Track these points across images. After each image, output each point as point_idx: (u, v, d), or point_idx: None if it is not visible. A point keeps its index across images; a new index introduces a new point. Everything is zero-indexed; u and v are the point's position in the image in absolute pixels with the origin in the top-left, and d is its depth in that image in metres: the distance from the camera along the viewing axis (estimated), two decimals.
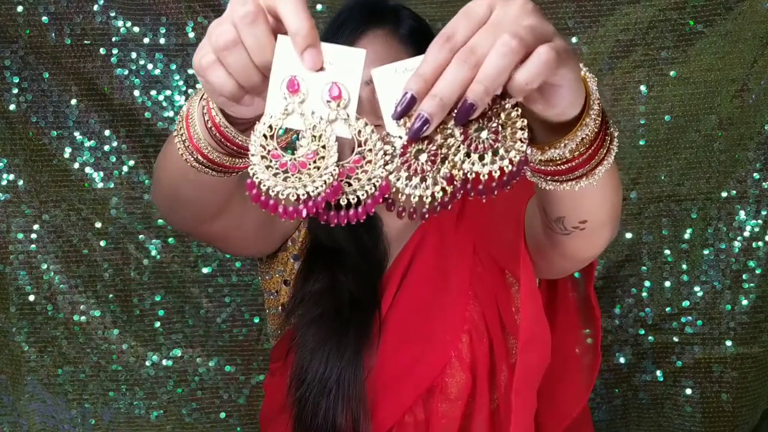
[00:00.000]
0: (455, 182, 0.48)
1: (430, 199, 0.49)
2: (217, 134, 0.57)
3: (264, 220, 0.91)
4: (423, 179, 0.49)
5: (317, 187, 0.49)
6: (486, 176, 0.48)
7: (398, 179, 0.49)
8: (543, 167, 0.56)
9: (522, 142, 0.47)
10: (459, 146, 0.48)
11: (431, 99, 0.46)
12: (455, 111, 0.47)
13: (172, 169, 0.68)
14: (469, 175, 0.48)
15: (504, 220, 0.83)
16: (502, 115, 0.47)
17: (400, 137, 0.49)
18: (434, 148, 0.48)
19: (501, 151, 0.48)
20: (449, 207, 0.50)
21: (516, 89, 0.45)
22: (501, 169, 0.48)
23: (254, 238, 0.93)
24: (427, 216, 0.51)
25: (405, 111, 0.47)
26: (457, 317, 0.90)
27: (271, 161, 0.49)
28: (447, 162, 0.48)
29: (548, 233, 0.70)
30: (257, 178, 0.49)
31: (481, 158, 0.48)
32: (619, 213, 0.68)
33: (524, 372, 0.80)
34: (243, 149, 0.58)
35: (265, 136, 0.49)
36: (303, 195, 0.49)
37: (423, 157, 0.49)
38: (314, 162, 0.49)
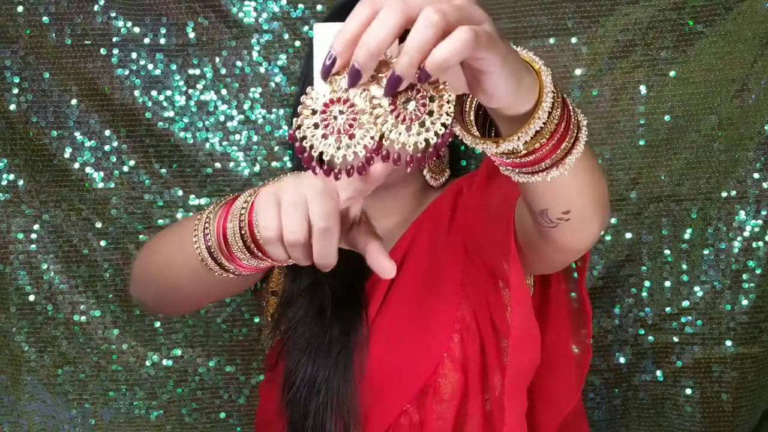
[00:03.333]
0: (382, 151, 0.50)
1: (340, 160, 0.51)
2: (251, 243, 0.62)
3: None
4: (338, 140, 0.50)
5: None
6: (411, 147, 0.49)
7: (314, 135, 0.51)
8: (507, 159, 0.57)
9: (448, 115, 0.49)
10: (387, 116, 0.49)
11: (360, 49, 0.47)
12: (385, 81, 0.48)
13: (178, 271, 0.72)
14: (395, 145, 0.49)
15: (495, 219, 0.83)
16: (430, 89, 0.49)
17: (324, 95, 0.50)
18: (354, 112, 0.50)
19: (427, 123, 0.49)
20: (363, 173, 0.52)
21: (431, 65, 0.46)
22: (426, 140, 0.49)
23: (244, 285, 0.96)
24: (339, 176, 0.53)
25: (327, 69, 0.48)
26: (448, 317, 0.90)
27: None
28: (368, 130, 0.50)
29: (537, 228, 0.70)
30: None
31: (408, 129, 0.49)
32: (606, 201, 0.68)
33: (515, 372, 0.80)
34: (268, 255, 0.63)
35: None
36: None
37: (341, 119, 0.50)
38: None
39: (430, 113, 0.49)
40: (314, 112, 0.51)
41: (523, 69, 0.52)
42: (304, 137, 0.51)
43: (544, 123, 0.53)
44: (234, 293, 0.84)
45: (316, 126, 0.51)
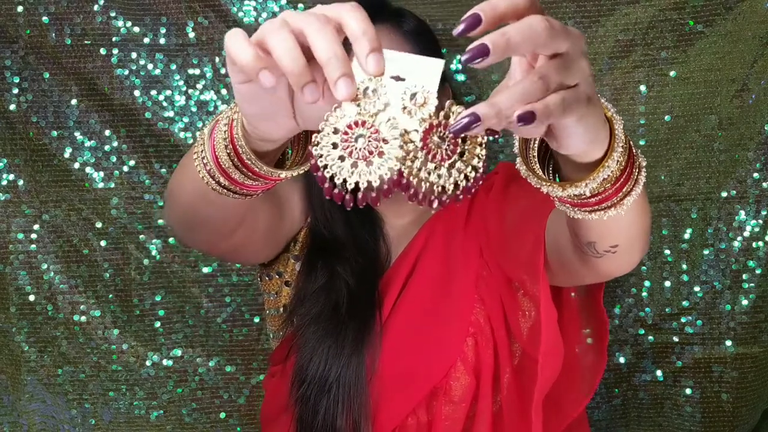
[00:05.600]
0: (410, 189, 0.48)
1: (351, 186, 0.48)
2: (238, 162, 0.57)
3: (272, 225, 0.91)
4: (354, 165, 0.48)
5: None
6: (438, 187, 0.47)
7: (329, 155, 0.49)
8: (569, 199, 0.57)
9: (479, 158, 0.47)
10: (417, 152, 0.47)
11: (498, 35, 0.44)
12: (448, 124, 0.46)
13: (191, 190, 0.68)
14: (424, 184, 0.47)
15: (518, 231, 0.83)
16: None
17: (349, 116, 0.49)
18: (376, 139, 0.48)
19: (458, 164, 0.47)
20: (377, 204, 0.50)
21: (518, 121, 0.45)
22: (455, 182, 0.47)
23: (263, 244, 0.93)
24: (350, 205, 0.50)
25: (470, 26, 0.44)
26: (462, 321, 0.90)
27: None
28: (387, 159, 0.48)
29: (580, 255, 0.70)
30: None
31: (437, 168, 0.47)
32: (649, 232, 0.68)
33: (542, 387, 0.81)
34: (261, 177, 0.58)
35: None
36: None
37: (362, 143, 0.48)
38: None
39: (461, 154, 0.47)
40: (336, 131, 0.49)
41: (599, 123, 0.51)
42: (321, 155, 0.49)
43: (611, 171, 0.53)
44: (252, 225, 0.80)
45: (334, 146, 0.48)
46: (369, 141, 0.48)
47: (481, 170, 0.48)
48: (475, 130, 0.45)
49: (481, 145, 0.47)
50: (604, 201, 0.55)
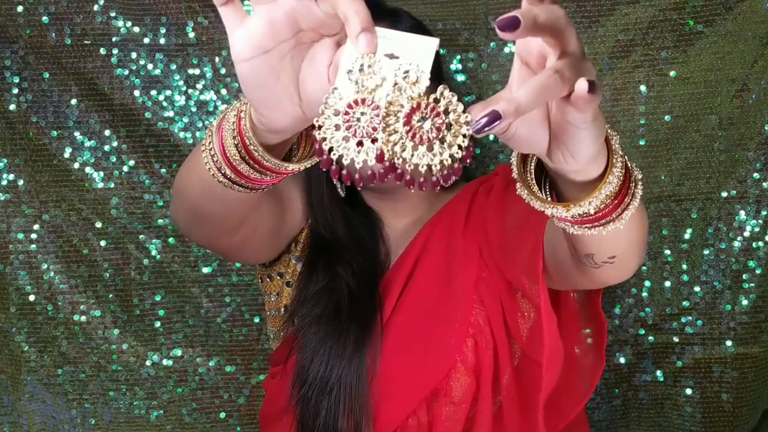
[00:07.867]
0: (385, 161, 0.47)
1: (360, 165, 0.48)
2: (245, 154, 0.57)
3: (274, 225, 0.91)
4: (359, 144, 0.48)
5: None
6: (411, 167, 0.46)
7: (333, 137, 0.48)
8: (571, 218, 0.57)
9: (460, 148, 0.46)
10: (397, 126, 0.47)
11: (526, 11, 0.44)
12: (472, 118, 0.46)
13: (196, 185, 0.69)
14: (396, 160, 0.47)
15: (517, 234, 0.84)
16: (451, 115, 0.46)
17: (348, 95, 0.48)
18: (378, 115, 0.47)
19: (436, 149, 0.46)
20: (384, 180, 0.49)
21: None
22: (428, 166, 0.46)
23: (265, 244, 0.94)
24: (361, 185, 0.50)
25: (509, 23, 0.44)
26: (462, 322, 0.91)
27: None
28: (382, 138, 0.47)
29: (578, 265, 0.70)
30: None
31: (415, 148, 0.46)
32: (646, 240, 0.69)
33: (545, 392, 0.81)
34: (269, 169, 0.58)
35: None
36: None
37: (365, 121, 0.48)
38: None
39: (442, 140, 0.46)
40: (337, 112, 0.48)
41: (603, 130, 0.51)
42: (324, 138, 0.48)
43: (613, 187, 0.54)
44: (256, 222, 0.81)
45: (337, 128, 0.48)
46: (372, 118, 0.48)
47: (458, 161, 0.46)
48: (496, 129, 0.44)
49: (464, 135, 0.46)
50: (603, 217, 0.56)
